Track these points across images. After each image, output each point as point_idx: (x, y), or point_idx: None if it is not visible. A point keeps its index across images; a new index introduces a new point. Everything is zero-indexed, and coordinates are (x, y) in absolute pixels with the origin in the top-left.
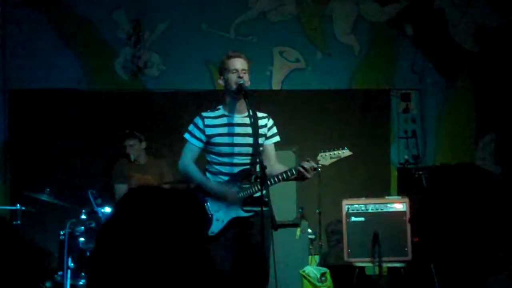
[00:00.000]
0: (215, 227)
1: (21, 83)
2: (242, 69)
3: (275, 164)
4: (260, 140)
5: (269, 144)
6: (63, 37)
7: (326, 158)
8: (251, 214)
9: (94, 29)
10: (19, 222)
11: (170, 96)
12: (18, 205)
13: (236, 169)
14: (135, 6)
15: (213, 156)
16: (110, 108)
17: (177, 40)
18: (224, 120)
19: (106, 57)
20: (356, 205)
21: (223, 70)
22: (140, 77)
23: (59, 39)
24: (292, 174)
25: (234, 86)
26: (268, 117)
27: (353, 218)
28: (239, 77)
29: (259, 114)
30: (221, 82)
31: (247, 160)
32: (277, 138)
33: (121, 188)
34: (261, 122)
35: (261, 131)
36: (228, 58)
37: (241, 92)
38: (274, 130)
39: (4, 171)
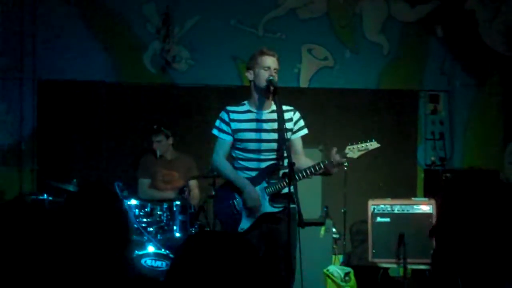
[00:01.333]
0: (245, 223)
1: (50, 73)
2: (274, 68)
3: (302, 158)
4: (287, 135)
5: (296, 138)
6: (93, 30)
7: (354, 151)
8: (279, 209)
9: (123, 22)
10: None
11: (198, 91)
12: (46, 194)
13: (263, 165)
14: (165, 1)
15: (239, 152)
16: (138, 101)
17: (205, 36)
18: (250, 116)
19: (135, 51)
20: (382, 206)
21: (254, 64)
22: (168, 71)
23: (89, 31)
24: (320, 168)
25: (264, 83)
26: (294, 110)
27: (378, 219)
28: (271, 75)
29: (285, 108)
30: (249, 76)
31: (274, 155)
32: (304, 131)
33: (144, 183)
34: (286, 116)
35: (287, 125)
36: (262, 54)
37: (270, 89)
38: (301, 123)
39: (32, 160)
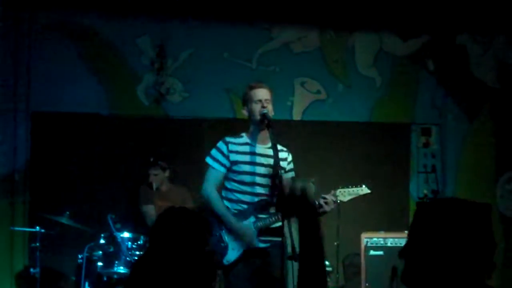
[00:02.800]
0: (231, 256)
1: (43, 105)
2: (266, 99)
3: None
4: (281, 172)
5: (287, 178)
6: (87, 61)
7: (344, 194)
8: (267, 245)
9: (118, 54)
10: (38, 244)
11: (192, 123)
12: (38, 227)
13: (256, 199)
14: (159, 33)
15: (234, 184)
16: (131, 133)
17: (199, 68)
18: (247, 148)
19: (129, 83)
20: (375, 239)
21: (247, 100)
22: (162, 103)
23: (83, 63)
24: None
25: (258, 117)
26: (288, 152)
27: (372, 252)
28: (263, 107)
29: (280, 147)
30: (245, 112)
31: (267, 191)
32: (293, 174)
33: (149, 208)
34: (282, 155)
35: (281, 164)
36: (251, 88)
37: (264, 122)
38: (292, 165)
39: (24, 192)
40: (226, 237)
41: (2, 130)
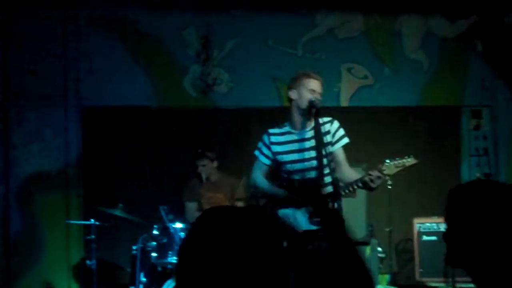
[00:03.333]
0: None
1: (94, 100)
2: (319, 92)
3: (346, 170)
4: (327, 149)
5: (337, 148)
6: (134, 55)
7: (391, 167)
8: (319, 227)
9: (164, 47)
10: (93, 236)
11: (239, 113)
12: (92, 220)
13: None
14: (204, 25)
15: (285, 173)
16: (179, 125)
17: (245, 57)
18: (291, 137)
19: (175, 75)
20: (428, 224)
21: (298, 85)
22: (209, 94)
23: (130, 57)
24: (359, 186)
25: (306, 104)
26: (331, 121)
27: (424, 237)
28: (314, 97)
29: (322, 120)
30: (292, 95)
31: (317, 173)
32: (344, 140)
33: (191, 207)
34: (325, 128)
35: (326, 139)
36: (308, 76)
37: (311, 110)
38: (340, 133)
39: (78, 186)
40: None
41: (54, 126)
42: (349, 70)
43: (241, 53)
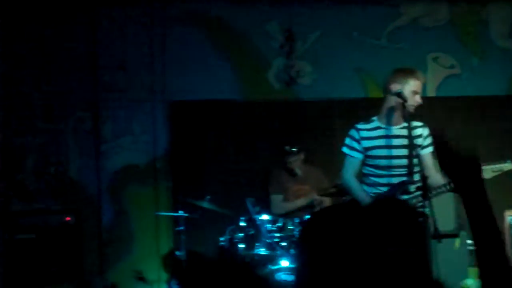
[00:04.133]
0: None
1: (179, 94)
2: (419, 93)
3: (434, 175)
4: (417, 151)
5: (426, 154)
6: (219, 50)
7: (487, 171)
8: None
9: (247, 41)
10: (182, 227)
11: (323, 105)
12: (181, 211)
13: (394, 180)
14: (287, 18)
15: (370, 169)
16: (265, 118)
17: (328, 49)
18: (380, 132)
19: (260, 68)
20: None
21: (404, 83)
22: (293, 86)
23: (215, 51)
24: (447, 190)
25: (412, 107)
26: (424, 126)
27: None
28: (418, 101)
29: (415, 124)
30: (393, 88)
31: (404, 171)
32: (431, 148)
33: (277, 199)
34: (416, 132)
35: (416, 141)
36: (417, 78)
37: (409, 112)
38: (429, 140)
39: (166, 178)
40: None
41: (142, 121)
42: (435, 59)
43: (324, 45)
